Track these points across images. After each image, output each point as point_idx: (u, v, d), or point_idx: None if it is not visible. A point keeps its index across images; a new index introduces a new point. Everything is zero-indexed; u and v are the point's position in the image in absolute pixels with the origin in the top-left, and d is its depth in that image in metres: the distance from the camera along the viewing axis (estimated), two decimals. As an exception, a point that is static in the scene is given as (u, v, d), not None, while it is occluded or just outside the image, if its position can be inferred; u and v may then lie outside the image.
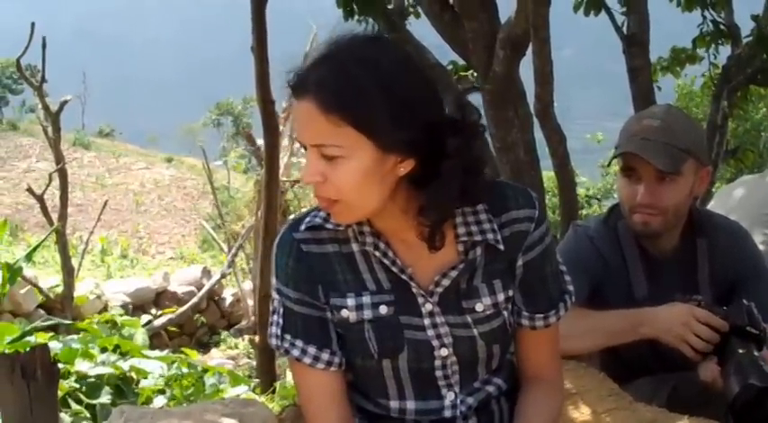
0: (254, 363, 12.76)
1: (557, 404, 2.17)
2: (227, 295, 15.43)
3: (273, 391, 7.27)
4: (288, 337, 2.00)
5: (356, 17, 6.92)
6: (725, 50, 7.68)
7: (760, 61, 7.33)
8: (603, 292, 2.94)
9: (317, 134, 1.77)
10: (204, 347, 13.91)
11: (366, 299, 1.97)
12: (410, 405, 2.05)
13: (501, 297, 2.01)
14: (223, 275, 14.22)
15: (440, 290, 1.97)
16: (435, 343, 1.99)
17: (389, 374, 2.02)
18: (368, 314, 1.97)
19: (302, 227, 1.97)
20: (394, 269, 1.95)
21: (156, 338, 12.18)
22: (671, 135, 2.81)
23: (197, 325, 14.33)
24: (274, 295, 2.02)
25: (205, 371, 7.21)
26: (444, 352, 2.00)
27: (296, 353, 1.99)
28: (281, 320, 2.01)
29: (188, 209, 33.33)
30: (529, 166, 6.13)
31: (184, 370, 6.88)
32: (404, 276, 1.96)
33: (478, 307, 1.99)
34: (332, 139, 1.75)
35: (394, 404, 2.05)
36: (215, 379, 7.08)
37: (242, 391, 7.16)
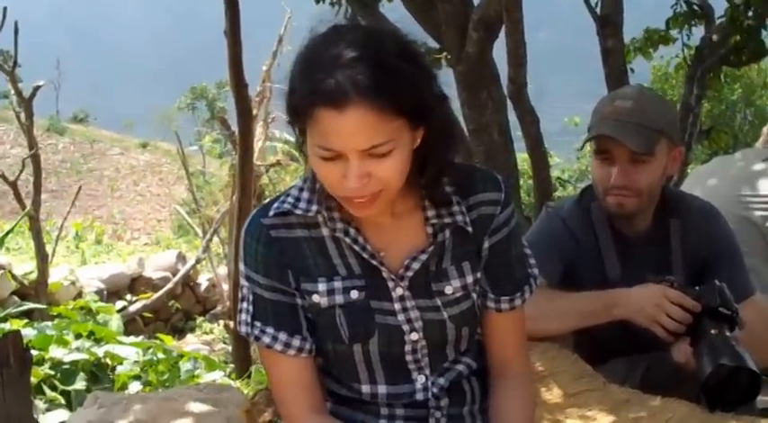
0: (230, 348, 12.77)
1: (532, 396, 2.17)
2: (203, 281, 15.35)
3: (249, 376, 7.25)
4: (258, 324, 1.98)
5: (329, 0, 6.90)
6: (699, 32, 7.70)
7: (733, 42, 7.34)
8: (576, 273, 2.94)
9: (371, 138, 1.72)
10: (179, 333, 13.85)
11: (337, 284, 1.96)
12: (381, 389, 2.04)
13: (470, 279, 2.01)
14: (198, 261, 14.18)
15: (410, 273, 1.96)
16: (406, 327, 1.98)
17: (360, 359, 2.01)
18: (339, 299, 1.96)
19: (271, 212, 1.95)
20: (365, 255, 1.94)
21: (131, 324, 12.13)
22: (643, 116, 2.81)
23: (172, 311, 14.25)
24: (243, 282, 2.00)
25: (180, 356, 7.20)
26: (415, 336, 1.99)
27: (266, 340, 1.97)
28: (250, 308, 1.99)
29: (163, 194, 33.29)
30: (503, 147, 6.14)
31: (160, 355, 6.88)
32: (374, 262, 1.95)
33: (448, 289, 1.99)
34: (386, 136, 1.72)
35: (365, 388, 2.05)
36: (190, 364, 7.08)
37: (217, 376, 7.16)
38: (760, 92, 29.21)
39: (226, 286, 12.81)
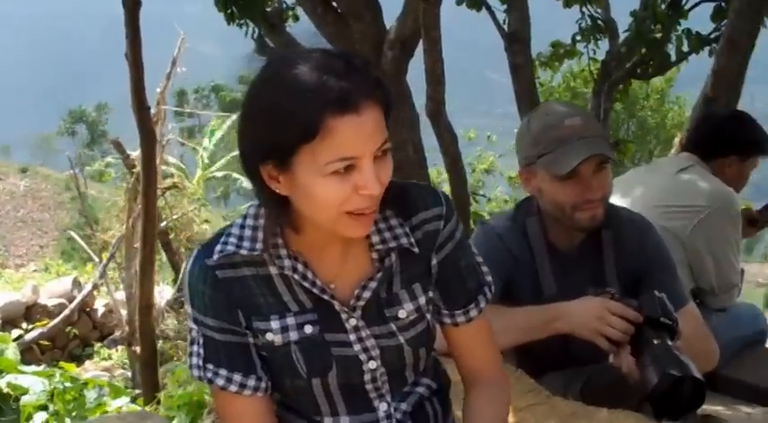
0: (129, 373, 12.52)
1: (505, 402, 2.15)
2: (99, 306, 15.02)
3: (158, 403, 7.08)
4: (210, 366, 1.93)
5: (236, 22, 6.84)
6: (605, 46, 7.86)
7: (639, 55, 7.50)
8: (514, 289, 2.95)
9: (381, 136, 1.72)
10: (77, 360, 13.47)
11: (290, 320, 1.92)
12: (344, 420, 2.02)
13: (422, 300, 2.00)
14: (95, 286, 13.85)
15: (361, 303, 1.94)
16: (363, 357, 1.96)
17: (320, 392, 1.98)
18: (293, 335, 1.92)
19: (215, 256, 1.88)
20: (315, 290, 1.91)
21: (28, 353, 11.78)
22: (597, 126, 2.87)
23: (69, 337, 13.92)
24: (191, 325, 1.94)
25: (85, 384, 7.00)
26: (373, 364, 1.97)
27: (220, 382, 1.93)
28: (201, 351, 1.94)
29: (45, 220, 32.58)
30: (417, 164, 6.17)
31: (67, 384, 6.67)
32: (325, 296, 1.92)
33: (401, 314, 1.97)
34: (385, 133, 1.74)
35: (328, 420, 2.02)
36: (95, 392, 6.88)
37: (123, 402, 6.98)
38: (642, 103, 30.02)
39: (124, 311, 12.56)
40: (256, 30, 7.09)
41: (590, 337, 2.63)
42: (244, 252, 1.87)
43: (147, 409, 6.87)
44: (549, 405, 2.68)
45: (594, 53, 7.93)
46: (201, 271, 1.89)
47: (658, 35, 7.31)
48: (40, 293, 14.07)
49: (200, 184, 18.10)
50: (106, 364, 13.75)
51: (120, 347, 14.04)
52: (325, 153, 1.67)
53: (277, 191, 1.78)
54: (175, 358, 13.13)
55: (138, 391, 8.37)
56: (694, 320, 2.92)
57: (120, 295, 13.32)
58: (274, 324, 1.91)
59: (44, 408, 6.32)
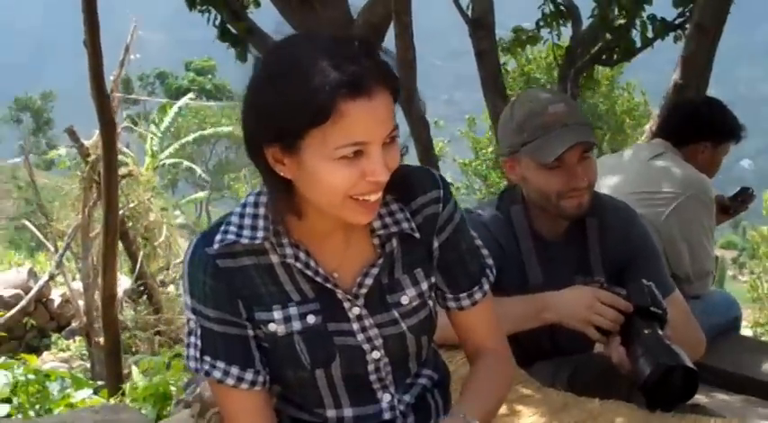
0: (88, 364, 12.40)
1: (505, 374, 2.14)
2: (55, 296, 14.89)
3: (123, 394, 7.02)
4: (207, 358, 1.90)
5: (198, 8, 6.76)
6: (567, 32, 7.86)
7: (603, 41, 7.51)
8: (500, 279, 2.92)
9: (391, 121, 1.71)
10: (35, 351, 13.30)
11: (293, 310, 1.90)
12: (348, 412, 2.00)
13: (425, 286, 1.99)
14: (52, 276, 13.69)
15: (364, 290, 1.92)
16: (366, 346, 1.94)
17: (323, 384, 1.96)
18: (296, 325, 1.90)
19: (215, 245, 1.85)
20: (318, 279, 1.89)
21: (-15, 345, 11.67)
22: (579, 113, 2.85)
23: (26, 328, 13.77)
24: (189, 315, 1.91)
25: (47, 376, 6.92)
26: (376, 354, 1.96)
27: (217, 375, 1.90)
28: (198, 342, 1.90)
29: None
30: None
31: (30, 376, 6.58)
32: (328, 285, 1.90)
33: (404, 299, 1.96)
34: (394, 118, 1.72)
35: (331, 413, 2.00)
36: (58, 384, 6.81)
37: (86, 394, 6.91)
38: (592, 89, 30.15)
39: (81, 301, 12.44)
40: (218, 16, 7.02)
41: (580, 327, 2.62)
42: (244, 241, 1.85)
43: (112, 400, 6.81)
44: (541, 396, 2.67)
45: (558, 39, 7.92)
46: (201, 260, 1.86)
47: (623, 21, 7.32)
48: (-5, 284, 13.93)
49: (150, 171, 17.96)
50: (64, 356, 13.66)
51: (77, 338, 13.92)
52: (336, 137, 1.65)
53: (281, 174, 1.75)
54: (133, 349, 13.05)
55: (100, 383, 8.29)
56: (681, 309, 2.92)
57: (77, 285, 13.21)
58: (277, 314, 1.89)
59: (7, 400, 6.24)
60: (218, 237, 1.86)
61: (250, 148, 1.78)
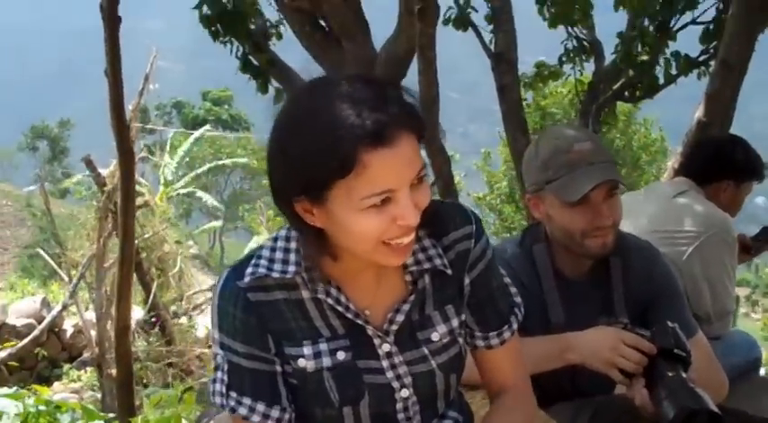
0: (99, 396, 12.34)
1: (526, 413, 2.13)
2: (68, 326, 14.87)
3: (135, 427, 6.95)
4: (234, 394, 1.88)
5: (221, 39, 6.77)
6: (590, 68, 7.85)
7: (626, 78, 7.50)
8: (522, 319, 2.89)
9: (417, 164, 1.68)
10: (45, 381, 13.32)
11: (323, 346, 1.88)
12: None
13: (455, 323, 1.97)
14: (65, 306, 13.67)
15: (395, 327, 1.90)
16: (396, 384, 1.92)
17: (350, 422, 1.92)
18: (327, 362, 1.88)
19: (246, 278, 1.84)
20: (349, 315, 1.87)
21: (-4, 374, 11.65)
22: (605, 151, 2.81)
23: (38, 358, 13.74)
24: (217, 350, 1.89)
25: (58, 407, 6.87)
26: (405, 393, 1.94)
27: (243, 411, 1.88)
28: (225, 377, 1.89)
29: (5, 237, 32.32)
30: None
31: (41, 407, 6.54)
32: (359, 321, 1.87)
33: (434, 336, 1.95)
34: (422, 160, 1.70)
35: None
36: (69, 415, 6.76)
37: (97, 427, 6.85)
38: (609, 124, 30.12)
39: (93, 332, 12.40)
40: (240, 48, 7.04)
41: (603, 369, 2.58)
42: (275, 275, 1.83)
43: (125, 434, 6.75)
44: (562, 438, 2.62)
45: (581, 74, 7.92)
46: (233, 293, 1.85)
47: (646, 57, 7.31)
48: (9, 313, 13.91)
49: (164, 201, 18.00)
50: (75, 386, 13.61)
51: (89, 369, 13.86)
52: (361, 188, 1.63)
53: (312, 223, 1.73)
54: (145, 380, 12.98)
55: (111, 415, 8.22)
56: (704, 351, 2.88)
57: (90, 315, 13.18)
58: (307, 350, 1.87)
59: (18, 431, 6.18)
60: (250, 269, 1.84)
61: (278, 200, 1.77)
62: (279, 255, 1.85)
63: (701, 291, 3.83)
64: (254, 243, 20.18)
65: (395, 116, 1.63)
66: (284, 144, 1.69)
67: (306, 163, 1.63)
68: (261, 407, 1.87)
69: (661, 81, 7.17)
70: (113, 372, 9.69)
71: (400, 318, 1.90)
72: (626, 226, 3.76)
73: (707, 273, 3.83)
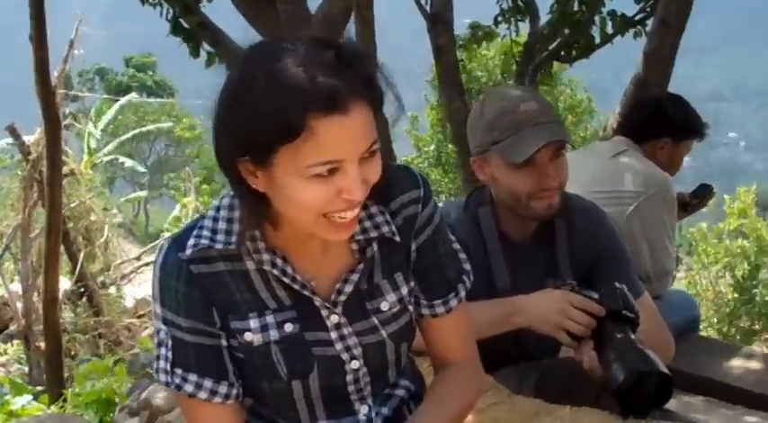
0: (26, 369, 12.12)
1: (473, 384, 2.09)
2: (-8, 298, 14.53)
3: (65, 400, 6.84)
4: (179, 371, 1.80)
5: (149, 1, 6.61)
6: (525, 28, 7.81)
7: (563, 37, 7.45)
8: None
9: (369, 137, 1.60)
10: (-30, 355, 13.08)
11: (270, 318, 1.81)
12: None
13: (405, 291, 1.92)
14: (-11, 278, 13.38)
15: (343, 298, 1.85)
16: (345, 356, 1.87)
17: (300, 396, 1.87)
18: (274, 335, 1.81)
19: (188, 250, 1.75)
20: (295, 286, 1.80)
21: None
22: (551, 111, 2.76)
23: (-39, 332, 13.45)
24: (160, 325, 1.81)
25: (-16, 381, 6.77)
26: (355, 364, 1.88)
27: (189, 388, 1.80)
28: (169, 354, 1.80)
29: None
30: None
31: (-30, 381, 6.44)
32: (306, 292, 1.81)
33: (383, 306, 1.89)
34: (375, 133, 1.61)
35: None
36: (-5, 389, 6.69)
37: (26, 400, 6.76)
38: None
39: (19, 304, 12.17)
40: (170, 10, 6.87)
41: (551, 332, 2.55)
42: (219, 246, 1.75)
43: (53, 407, 6.65)
44: (510, 403, 2.59)
45: (516, 35, 7.87)
46: (174, 266, 1.76)
47: (582, 17, 7.28)
48: (-69, 286, 13.58)
49: (89, 170, 17.69)
50: (1, 360, 13.32)
51: (15, 342, 13.59)
52: (307, 155, 1.55)
53: (254, 187, 1.65)
54: (73, 352, 12.79)
55: (40, 388, 8.09)
56: (651, 311, 2.88)
57: (16, 287, 12.92)
58: (253, 323, 1.80)
59: (-57, 408, 6.10)
60: (192, 241, 1.76)
61: (221, 159, 1.68)
62: (222, 225, 1.77)
63: (641, 250, 3.83)
64: (177, 211, 19.90)
65: (351, 83, 1.54)
66: (232, 102, 1.60)
67: (252, 124, 1.56)
68: (208, 383, 1.79)
69: (597, 40, 7.15)
70: (41, 344, 9.53)
71: (348, 288, 1.84)
72: (567, 186, 3.75)
73: (647, 233, 3.83)
